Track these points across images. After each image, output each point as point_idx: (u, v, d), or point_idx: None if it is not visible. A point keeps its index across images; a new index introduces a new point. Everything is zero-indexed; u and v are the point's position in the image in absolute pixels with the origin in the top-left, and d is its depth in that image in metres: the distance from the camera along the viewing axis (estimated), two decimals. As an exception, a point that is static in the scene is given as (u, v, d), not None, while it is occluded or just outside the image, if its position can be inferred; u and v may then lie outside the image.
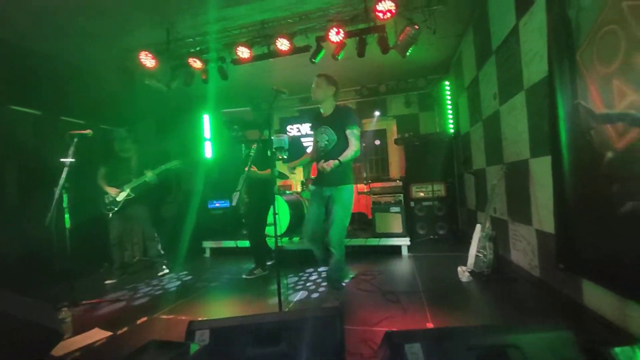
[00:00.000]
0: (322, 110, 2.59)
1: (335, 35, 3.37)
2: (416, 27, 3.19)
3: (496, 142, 3.30)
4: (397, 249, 3.96)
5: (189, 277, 3.52)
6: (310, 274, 3.33)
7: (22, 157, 3.51)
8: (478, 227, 2.91)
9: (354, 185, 2.56)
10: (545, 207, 2.35)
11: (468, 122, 4.43)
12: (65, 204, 2.71)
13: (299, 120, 6.59)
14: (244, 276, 3.32)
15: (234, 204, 1.57)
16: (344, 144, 2.44)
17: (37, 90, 3.78)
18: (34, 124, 3.67)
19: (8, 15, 3.10)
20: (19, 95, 3.58)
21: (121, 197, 3.51)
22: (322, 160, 2.35)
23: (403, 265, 3.52)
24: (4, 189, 3.33)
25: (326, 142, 2.50)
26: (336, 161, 2.30)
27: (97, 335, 2.15)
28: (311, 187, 2.66)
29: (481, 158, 3.88)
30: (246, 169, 2.67)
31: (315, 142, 2.65)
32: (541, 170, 2.38)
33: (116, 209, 3.51)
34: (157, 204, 4.76)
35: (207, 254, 4.66)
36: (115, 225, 3.58)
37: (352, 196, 2.52)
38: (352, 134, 2.41)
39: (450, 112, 5.41)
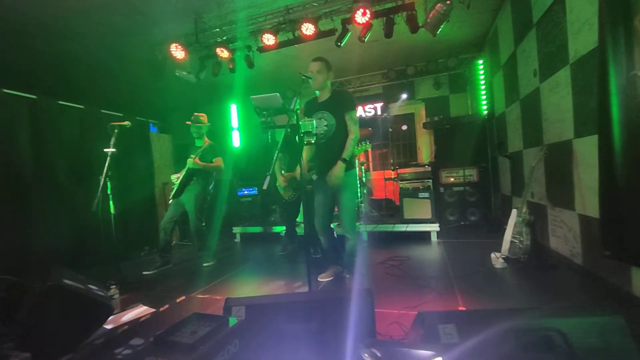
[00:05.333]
0: (318, 96, 2.52)
1: (361, 17, 3.27)
2: (448, 2, 3.02)
3: (535, 123, 3.10)
4: (425, 235, 3.89)
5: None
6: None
7: (70, 148, 3.78)
8: (514, 211, 2.78)
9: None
10: (590, 190, 2.19)
11: (504, 103, 4.18)
12: (109, 191, 2.89)
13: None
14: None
15: (264, 187, 1.59)
16: (343, 129, 2.40)
17: (79, 85, 4.04)
18: (78, 117, 3.93)
19: (50, 16, 3.31)
20: (64, 91, 3.85)
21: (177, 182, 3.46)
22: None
23: (432, 251, 3.45)
24: (55, 178, 3.62)
25: (325, 128, 2.44)
26: (342, 164, 2.32)
27: (141, 311, 2.33)
28: (314, 176, 2.58)
29: (518, 140, 3.66)
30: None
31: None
32: (588, 151, 2.21)
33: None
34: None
35: (238, 239, 4.84)
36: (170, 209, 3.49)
37: (356, 180, 2.49)
38: (352, 119, 2.38)
39: (483, 92, 5.12)
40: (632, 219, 1.74)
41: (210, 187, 3.60)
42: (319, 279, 2.56)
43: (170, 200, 3.49)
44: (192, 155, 3.35)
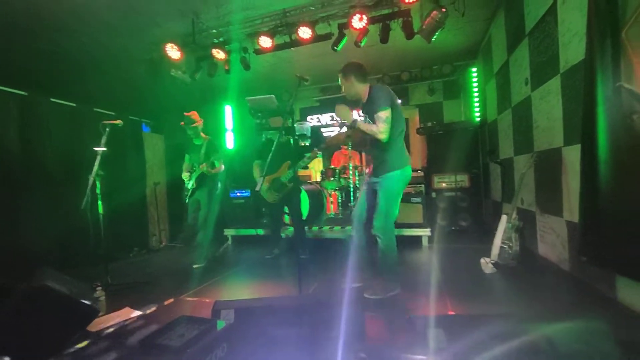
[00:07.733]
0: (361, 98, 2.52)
1: (358, 22, 3.30)
2: (443, 10, 3.06)
3: (526, 130, 3.15)
4: (416, 240, 3.90)
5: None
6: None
7: (60, 146, 3.72)
8: (504, 217, 2.81)
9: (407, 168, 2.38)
10: (578, 197, 2.23)
11: (496, 110, 4.24)
12: (98, 191, 2.85)
13: (320, 110, 6.54)
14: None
15: (258, 189, 1.59)
16: None
17: (72, 83, 3.98)
18: (69, 115, 3.87)
19: (46, 12, 3.25)
20: (56, 89, 3.79)
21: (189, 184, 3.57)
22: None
23: (423, 256, 3.47)
24: (44, 176, 3.55)
25: None
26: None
27: (128, 313, 2.28)
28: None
29: (509, 147, 3.72)
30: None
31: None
32: (576, 159, 2.25)
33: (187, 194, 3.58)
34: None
35: (229, 241, 4.80)
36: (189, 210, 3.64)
37: (399, 183, 2.34)
38: (378, 118, 2.28)
39: (476, 99, 5.20)
40: (610, 226, 1.77)
41: (219, 185, 3.76)
42: (365, 296, 2.17)
43: (187, 200, 3.58)
44: (204, 163, 3.45)
